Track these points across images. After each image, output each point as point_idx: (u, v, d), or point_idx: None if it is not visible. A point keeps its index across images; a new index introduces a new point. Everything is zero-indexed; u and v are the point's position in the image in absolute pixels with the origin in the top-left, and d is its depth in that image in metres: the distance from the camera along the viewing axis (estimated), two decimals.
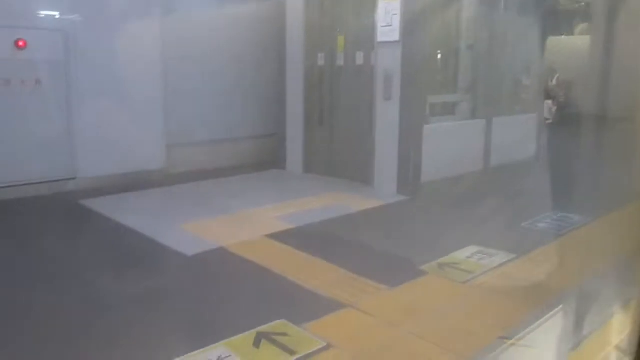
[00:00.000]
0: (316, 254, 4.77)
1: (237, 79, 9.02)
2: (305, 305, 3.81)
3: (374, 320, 3.56)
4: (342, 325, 3.49)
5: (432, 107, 7.77)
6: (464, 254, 4.80)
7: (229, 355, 3.08)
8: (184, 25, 8.25)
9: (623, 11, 15.61)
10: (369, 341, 3.30)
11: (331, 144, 8.16)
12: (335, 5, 7.88)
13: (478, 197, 7.03)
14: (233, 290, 4.16)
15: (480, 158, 8.28)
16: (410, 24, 6.75)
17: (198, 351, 3.11)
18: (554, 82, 15.69)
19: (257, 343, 3.22)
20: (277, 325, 3.44)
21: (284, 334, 3.32)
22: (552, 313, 3.69)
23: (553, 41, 14.53)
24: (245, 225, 5.80)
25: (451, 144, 7.63)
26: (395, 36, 6.83)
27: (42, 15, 6.82)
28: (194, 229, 5.57)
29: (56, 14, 6.93)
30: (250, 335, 3.30)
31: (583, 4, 17.84)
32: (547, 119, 13.10)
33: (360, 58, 7.56)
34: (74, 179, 7.23)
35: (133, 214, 6.09)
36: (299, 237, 5.32)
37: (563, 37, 17.48)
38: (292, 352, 3.12)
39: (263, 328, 3.38)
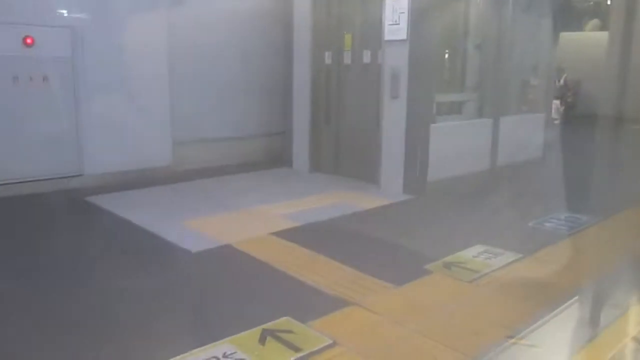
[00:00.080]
0: (322, 251, 4.76)
1: (244, 77, 9.03)
2: (310, 303, 3.81)
3: (380, 318, 3.55)
4: (348, 323, 3.48)
5: (439, 106, 7.74)
6: (470, 253, 4.78)
7: (234, 352, 3.07)
8: (191, 22, 8.26)
9: None
10: (374, 339, 3.29)
11: (337, 142, 8.15)
12: (342, 3, 7.87)
13: (484, 197, 7.01)
14: (238, 287, 4.16)
15: (487, 157, 8.24)
16: (418, 22, 6.73)
17: (203, 347, 3.11)
18: (562, 82, 15.62)
19: (262, 340, 3.21)
20: (282, 322, 3.43)
21: (289, 331, 3.31)
22: (558, 312, 3.67)
23: (565, 37, 14.35)
24: (251, 222, 5.80)
25: (458, 143, 7.60)
26: (402, 34, 6.81)
27: (50, 12, 6.84)
28: (199, 225, 5.58)
29: (64, 11, 6.95)
30: (255, 332, 3.29)
31: (592, 3, 17.74)
32: (555, 119, 13.04)
33: (367, 56, 7.54)
34: (80, 175, 7.25)
35: (139, 210, 6.10)
36: (305, 235, 5.32)
37: (575, 33, 17.32)
38: (297, 349, 3.11)
39: (268, 325, 3.38)
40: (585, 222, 5.83)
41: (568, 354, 3.29)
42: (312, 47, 8.17)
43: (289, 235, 5.28)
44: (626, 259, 4.84)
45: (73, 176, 7.20)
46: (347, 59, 7.84)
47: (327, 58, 8.08)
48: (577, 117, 15.27)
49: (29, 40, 6.62)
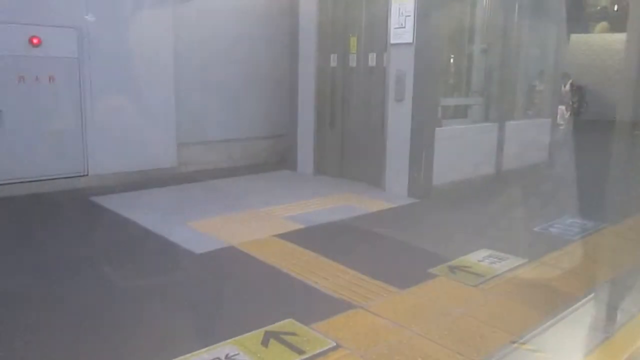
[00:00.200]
0: (325, 254, 4.75)
1: (249, 79, 9.04)
2: (314, 305, 3.79)
3: (384, 321, 3.53)
4: (351, 326, 3.46)
5: (445, 110, 7.73)
6: (475, 257, 4.76)
7: (237, 354, 3.06)
8: (196, 25, 8.28)
9: None
10: (378, 342, 3.27)
11: (342, 145, 8.14)
12: (348, 6, 7.87)
13: (489, 201, 6.99)
14: (241, 289, 4.15)
15: (492, 161, 8.22)
16: (424, 26, 6.72)
17: (206, 348, 3.10)
18: (567, 87, 15.57)
19: (265, 342, 3.20)
20: (285, 324, 3.42)
21: (293, 334, 3.30)
22: (563, 317, 3.65)
23: (573, 39, 14.25)
24: (255, 224, 5.79)
25: (463, 147, 7.58)
26: (408, 38, 6.81)
27: (57, 13, 6.86)
28: (203, 227, 5.58)
29: (70, 12, 6.97)
30: (258, 333, 3.28)
31: (599, 7, 17.71)
32: (560, 125, 13.00)
33: (372, 59, 7.54)
34: (85, 175, 7.27)
35: (143, 211, 6.10)
36: (309, 237, 5.31)
37: (584, 35, 17.26)
38: (300, 352, 3.10)
39: (271, 327, 3.37)
40: (590, 228, 5.80)
41: (573, 358, 3.27)
42: (318, 50, 8.17)
43: (292, 237, 5.27)
44: (632, 265, 4.81)
45: (78, 176, 7.22)
46: (352, 62, 7.84)
47: (333, 60, 8.08)
48: (584, 122, 15.22)
49: (35, 41, 6.65)
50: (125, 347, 3.22)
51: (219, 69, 8.62)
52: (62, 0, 6.91)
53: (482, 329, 3.45)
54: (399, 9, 6.84)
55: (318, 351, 3.11)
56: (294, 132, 8.64)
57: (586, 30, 18.01)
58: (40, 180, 6.88)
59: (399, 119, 7.05)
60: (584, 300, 3.92)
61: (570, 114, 15.10)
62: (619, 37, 17.00)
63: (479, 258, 4.75)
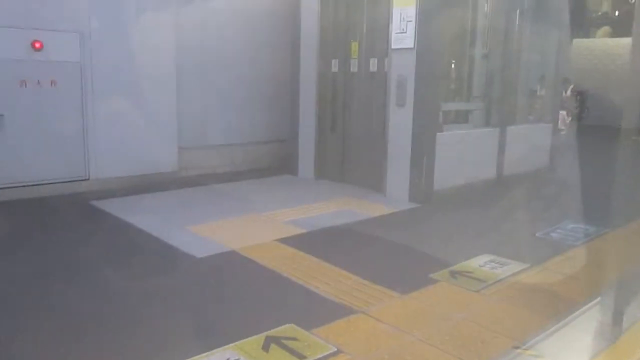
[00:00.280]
0: (326, 259, 4.74)
1: (250, 84, 9.06)
2: (314, 310, 3.78)
3: (385, 326, 3.52)
4: (352, 331, 3.45)
5: (446, 115, 7.73)
6: (477, 263, 4.75)
7: (238, 359, 3.05)
8: (198, 30, 8.30)
9: None
10: (379, 347, 3.26)
11: (343, 149, 8.14)
12: (349, 12, 7.89)
13: (490, 206, 6.98)
14: (242, 293, 4.14)
15: (493, 166, 8.22)
16: (425, 31, 6.73)
17: (206, 353, 3.09)
18: (568, 92, 15.58)
19: (266, 347, 3.19)
20: (286, 329, 3.41)
21: (294, 339, 3.29)
22: (565, 323, 3.63)
23: (575, 44, 14.22)
24: (256, 228, 5.78)
25: (464, 152, 7.58)
26: (409, 43, 6.82)
27: (59, 17, 6.88)
28: (204, 231, 5.57)
29: (73, 16, 6.99)
30: (259, 338, 3.27)
31: (600, 13, 17.74)
32: (561, 130, 12.99)
33: (373, 64, 7.55)
34: (86, 179, 7.27)
35: (144, 215, 6.10)
36: (310, 242, 5.30)
37: (585, 40, 17.26)
38: (301, 357, 3.09)
39: (272, 332, 3.36)
40: (592, 233, 5.79)
41: None
42: (319, 55, 8.19)
43: (294, 241, 5.27)
44: (634, 270, 4.79)
45: (79, 180, 7.22)
46: (353, 67, 7.85)
47: (334, 66, 8.10)
48: (585, 127, 15.20)
49: (37, 45, 6.67)
50: (125, 351, 3.21)
51: (220, 74, 8.63)
52: (65, 4, 6.93)
53: (484, 334, 3.44)
54: (400, 14, 6.85)
55: (319, 356, 3.10)
56: (295, 137, 8.64)
57: (587, 35, 18.04)
58: (42, 184, 6.88)
59: (400, 124, 7.05)
60: (586, 306, 3.90)
61: (572, 119, 15.10)
62: (622, 42, 17.01)
63: (480, 263, 4.74)
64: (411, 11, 6.74)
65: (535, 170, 9.09)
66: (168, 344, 3.31)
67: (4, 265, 4.61)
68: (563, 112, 13.68)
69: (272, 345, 3.20)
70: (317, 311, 3.75)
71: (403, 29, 6.86)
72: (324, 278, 4.33)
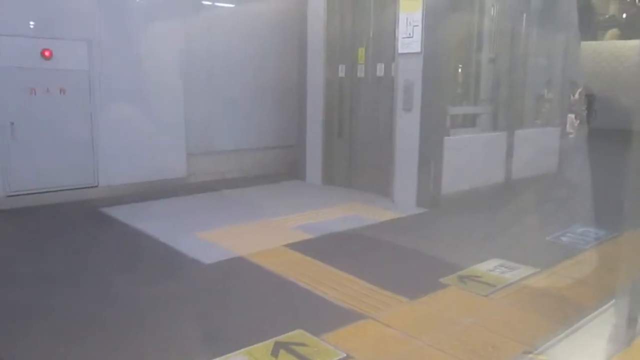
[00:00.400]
0: (335, 264, 4.74)
1: (258, 90, 9.08)
2: (323, 316, 3.77)
3: (394, 332, 3.51)
4: (361, 337, 3.44)
5: (453, 119, 7.71)
6: (486, 267, 4.73)
7: None
8: (205, 37, 8.34)
9: None
10: (388, 353, 3.25)
11: (350, 155, 8.14)
12: (356, 17, 7.91)
13: (499, 210, 6.95)
14: (251, 299, 4.14)
15: (501, 170, 8.18)
16: (432, 35, 6.73)
17: (216, 359, 3.09)
18: (577, 96, 15.49)
19: (275, 352, 3.19)
20: (295, 335, 3.40)
21: (303, 344, 3.29)
22: (576, 328, 3.60)
23: (583, 46, 14.14)
24: (264, 234, 5.79)
25: (472, 156, 7.56)
26: (416, 47, 6.82)
27: (68, 26, 6.94)
28: (212, 237, 5.58)
29: (81, 24, 7.05)
30: (268, 344, 3.27)
31: (607, 16, 17.66)
32: (570, 133, 12.92)
33: (380, 69, 7.56)
34: (95, 186, 7.31)
35: (153, 222, 6.12)
36: (318, 247, 5.30)
37: (594, 42, 17.18)
38: None
39: (281, 338, 3.35)
40: (602, 237, 5.75)
41: None
42: (326, 60, 8.21)
43: (302, 247, 5.27)
44: None
45: (88, 187, 7.26)
46: (360, 72, 7.87)
47: (341, 71, 8.11)
48: (594, 131, 15.10)
49: (47, 53, 6.73)
50: (133, 356, 3.22)
51: (227, 80, 8.66)
52: (73, 13, 6.99)
53: (494, 339, 3.42)
54: (407, 19, 6.86)
55: None
56: (302, 143, 8.66)
57: (595, 37, 17.96)
58: (51, 191, 6.93)
59: (407, 129, 7.05)
60: (597, 310, 3.87)
61: (580, 123, 15.00)
62: (630, 44, 16.93)
63: (489, 267, 4.72)
64: (417, 16, 6.75)
65: (543, 174, 9.04)
66: (177, 349, 3.32)
67: (15, 270, 4.64)
68: (571, 116, 13.60)
69: (281, 351, 3.20)
70: (326, 317, 3.74)
71: (410, 34, 6.86)
72: (332, 283, 4.32)
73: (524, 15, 8.60)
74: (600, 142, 13.10)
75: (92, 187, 7.29)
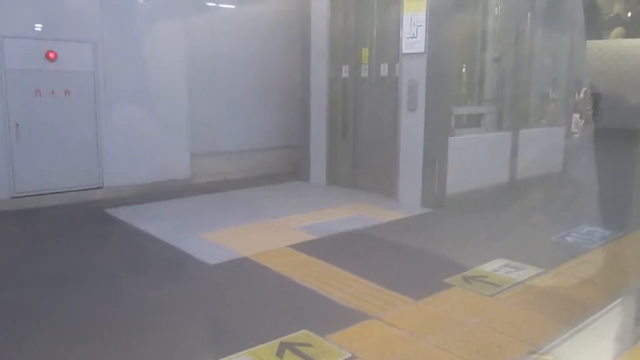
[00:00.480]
0: (340, 264, 4.73)
1: (261, 91, 9.09)
2: (328, 316, 3.77)
3: (399, 332, 3.50)
4: (366, 337, 3.43)
5: (458, 119, 7.70)
6: (491, 267, 4.71)
7: None
8: (208, 38, 8.36)
9: None
10: (393, 353, 3.24)
11: (354, 155, 8.13)
12: (359, 18, 7.90)
13: (504, 210, 6.93)
14: (255, 300, 4.14)
15: (506, 170, 8.16)
16: (436, 35, 6.72)
17: (221, 359, 3.09)
18: (582, 95, 15.44)
19: (280, 353, 3.18)
20: (300, 335, 3.40)
21: (308, 345, 3.28)
22: (581, 328, 3.59)
23: (589, 45, 14.06)
24: (269, 235, 5.79)
25: (477, 156, 7.54)
26: (420, 47, 6.81)
27: (72, 28, 6.96)
28: (217, 238, 5.58)
29: (85, 26, 7.07)
30: (273, 345, 3.27)
31: (612, 15, 17.59)
32: (575, 133, 12.88)
33: (384, 69, 7.55)
34: (100, 188, 7.33)
35: (157, 223, 6.13)
36: (322, 248, 5.29)
37: (599, 41, 17.10)
38: None
39: (286, 338, 3.35)
40: (607, 237, 5.72)
41: None
42: (330, 61, 8.20)
43: (307, 247, 5.26)
44: None
45: (93, 188, 7.28)
46: (364, 72, 7.86)
47: (345, 71, 8.11)
48: (600, 130, 15.04)
49: (51, 55, 6.75)
50: (136, 356, 3.22)
51: (231, 81, 8.68)
52: (78, 15, 7.01)
53: (499, 339, 3.41)
54: (411, 19, 6.85)
55: None
56: (306, 143, 8.66)
57: (600, 36, 17.88)
58: (56, 192, 6.95)
59: (411, 129, 7.04)
60: (603, 310, 3.85)
61: (585, 122, 14.94)
62: (637, 42, 16.85)
63: (494, 267, 4.71)
64: (421, 16, 6.74)
65: (548, 174, 9.01)
66: (182, 350, 3.32)
67: (21, 271, 4.65)
68: (576, 115, 13.55)
69: (286, 352, 3.20)
70: (331, 317, 3.74)
71: (414, 34, 6.86)
72: (337, 284, 4.32)
73: (529, 14, 8.57)
74: (606, 141, 13.05)
75: (96, 188, 7.31)
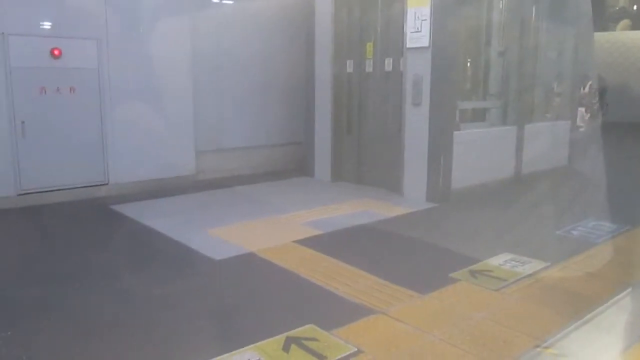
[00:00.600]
0: (345, 259, 4.74)
1: (266, 87, 9.09)
2: (334, 311, 3.78)
3: (405, 326, 3.51)
4: (373, 331, 3.44)
5: (462, 113, 7.68)
6: (497, 261, 4.71)
7: (259, 359, 3.07)
8: (213, 35, 8.36)
9: None
10: (400, 347, 3.25)
11: (359, 150, 8.13)
12: (363, 12, 7.88)
13: (509, 204, 6.92)
14: (261, 295, 4.16)
15: (511, 165, 8.15)
16: (440, 29, 6.70)
17: (227, 354, 3.11)
18: (587, 89, 15.36)
19: (286, 347, 3.20)
20: (306, 330, 3.41)
21: (314, 339, 3.29)
22: (587, 321, 3.59)
23: (595, 37, 13.98)
24: (274, 230, 5.80)
25: (482, 151, 7.53)
26: (424, 42, 6.79)
27: (77, 25, 6.97)
28: (223, 234, 5.60)
29: (90, 23, 7.08)
30: (279, 339, 3.28)
31: (617, 8, 17.49)
32: (580, 127, 12.83)
33: (388, 64, 7.53)
34: (106, 184, 7.36)
35: (163, 219, 6.16)
36: (328, 243, 5.30)
37: (605, 33, 16.99)
38: (322, 357, 3.09)
39: (292, 332, 3.36)
40: (613, 231, 5.71)
41: None
42: (334, 56, 8.19)
43: (312, 243, 5.27)
44: None
45: (99, 185, 7.31)
46: (368, 67, 7.85)
47: (349, 66, 8.10)
48: (605, 124, 14.98)
49: (56, 52, 6.77)
50: (143, 352, 3.24)
51: (235, 78, 8.68)
52: (82, 12, 7.02)
53: (505, 333, 3.41)
54: (415, 13, 6.83)
55: (339, 357, 3.10)
56: (311, 139, 8.66)
57: (606, 28, 17.77)
58: (62, 189, 6.98)
59: (416, 124, 7.03)
60: (608, 304, 3.85)
61: (591, 116, 14.88)
62: None
63: (500, 262, 4.71)
64: (426, 10, 6.73)
65: (553, 168, 8.99)
66: (188, 344, 3.33)
67: (27, 268, 4.68)
68: (582, 109, 13.49)
69: (293, 346, 3.21)
70: (337, 312, 3.75)
71: (418, 28, 6.84)
72: (343, 279, 4.33)
73: (534, 7, 8.53)
74: (611, 135, 12.99)
75: (102, 185, 7.34)
